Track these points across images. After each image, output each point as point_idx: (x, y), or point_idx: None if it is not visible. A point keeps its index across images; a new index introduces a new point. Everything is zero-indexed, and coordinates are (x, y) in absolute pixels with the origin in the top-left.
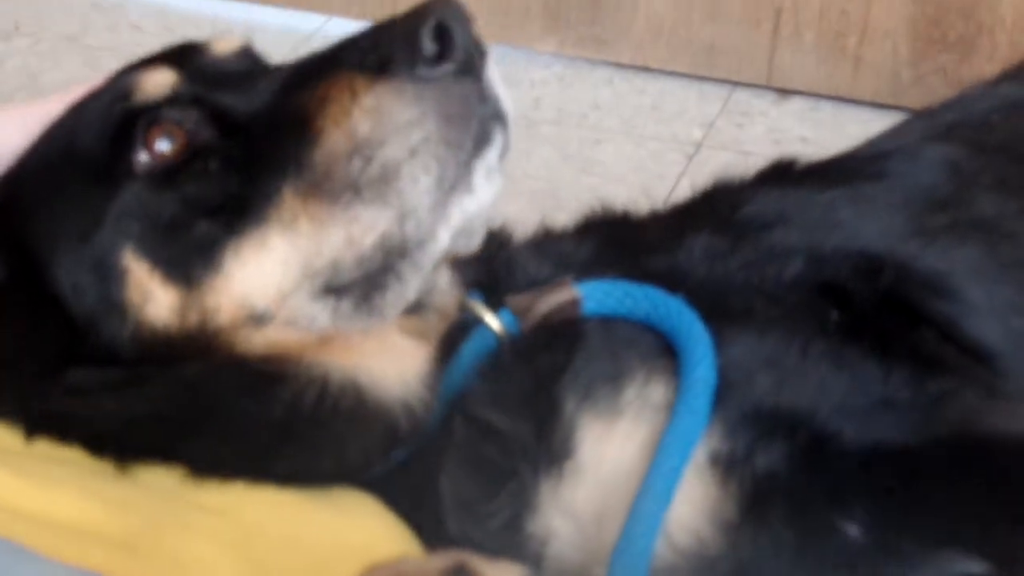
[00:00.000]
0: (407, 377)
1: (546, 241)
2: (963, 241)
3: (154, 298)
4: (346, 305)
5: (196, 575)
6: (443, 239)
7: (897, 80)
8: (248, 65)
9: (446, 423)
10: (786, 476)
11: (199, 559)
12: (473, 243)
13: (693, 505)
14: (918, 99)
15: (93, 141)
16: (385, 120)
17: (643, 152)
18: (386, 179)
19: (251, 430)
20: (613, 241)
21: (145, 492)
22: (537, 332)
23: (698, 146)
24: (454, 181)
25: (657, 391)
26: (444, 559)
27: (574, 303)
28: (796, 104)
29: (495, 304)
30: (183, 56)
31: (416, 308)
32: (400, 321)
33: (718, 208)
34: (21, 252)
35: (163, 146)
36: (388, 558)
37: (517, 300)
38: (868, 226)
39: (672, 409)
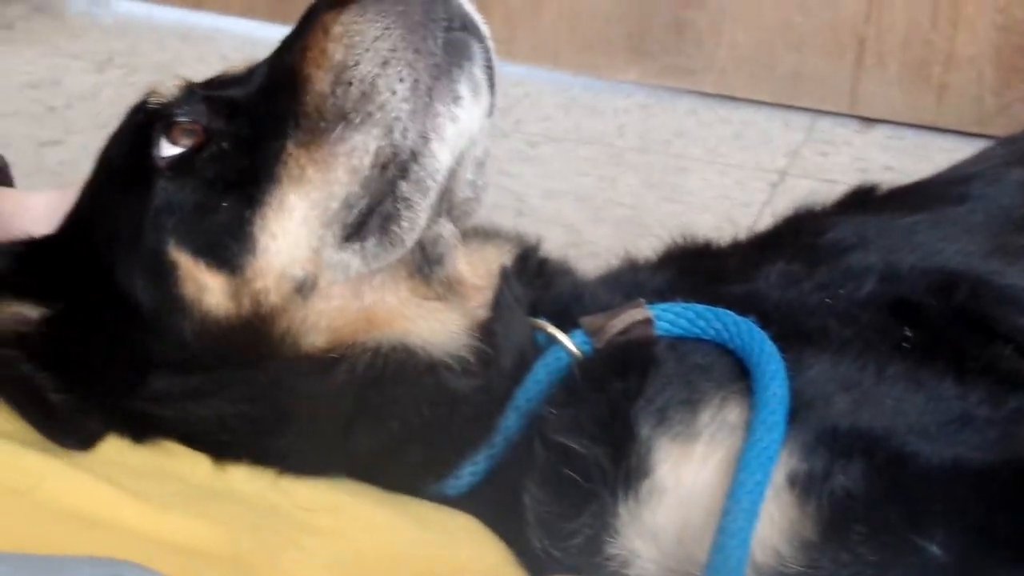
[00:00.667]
0: (450, 332)
1: (621, 271)
2: None
3: (207, 287)
4: (370, 244)
5: None
6: (441, 156)
7: (982, 108)
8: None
9: (525, 443)
10: (865, 496)
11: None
12: (482, 181)
13: (772, 524)
14: (1003, 127)
15: (123, 150)
16: (354, 41)
17: (727, 180)
18: (367, 96)
19: (325, 413)
20: (690, 270)
21: (254, 512)
22: (610, 354)
23: (782, 174)
24: (431, 86)
25: (733, 412)
26: None
27: (646, 323)
28: (880, 133)
29: (565, 329)
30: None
31: (429, 265)
32: (421, 289)
33: (800, 235)
34: (96, 269)
35: (182, 141)
36: None
37: (591, 320)
38: (947, 246)
39: (748, 428)
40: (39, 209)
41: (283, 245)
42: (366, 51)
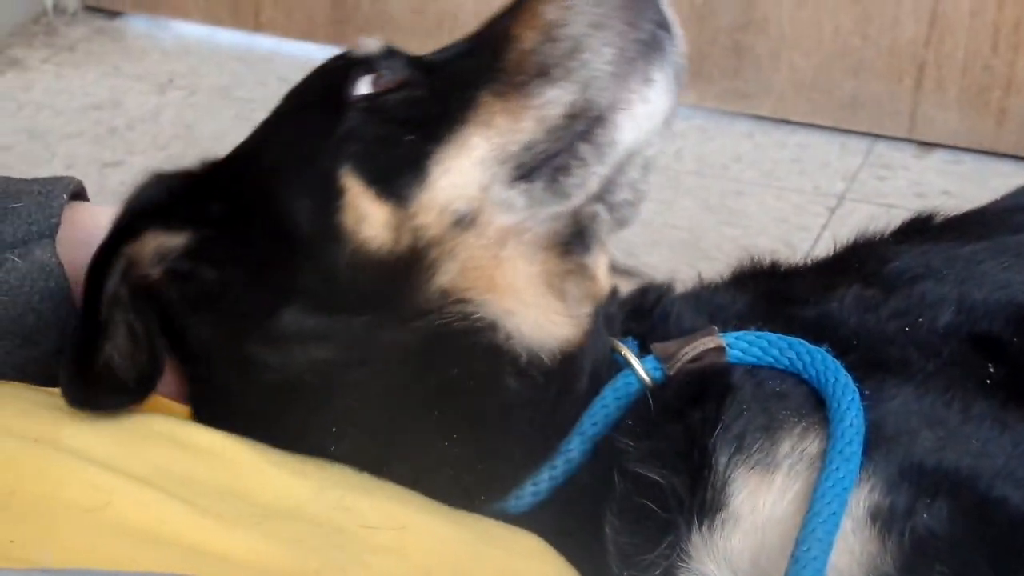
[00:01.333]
0: (550, 334)
1: (703, 293)
2: None
3: (368, 217)
4: (537, 188)
5: None
6: (625, 128)
7: None
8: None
9: (598, 470)
10: (948, 537)
11: None
12: (643, 187)
13: (851, 556)
14: None
15: (320, 87)
16: (569, 3)
17: (785, 204)
18: (571, 53)
19: (396, 374)
20: (766, 294)
21: (319, 530)
22: (684, 382)
23: (840, 199)
24: (633, 61)
25: (813, 443)
26: None
27: (719, 351)
28: (938, 157)
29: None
30: None
31: (576, 242)
32: (555, 269)
33: (866, 262)
34: (256, 196)
35: (374, 83)
36: None
37: (663, 346)
38: (1014, 277)
39: (825, 459)
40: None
41: (454, 180)
42: (580, 13)
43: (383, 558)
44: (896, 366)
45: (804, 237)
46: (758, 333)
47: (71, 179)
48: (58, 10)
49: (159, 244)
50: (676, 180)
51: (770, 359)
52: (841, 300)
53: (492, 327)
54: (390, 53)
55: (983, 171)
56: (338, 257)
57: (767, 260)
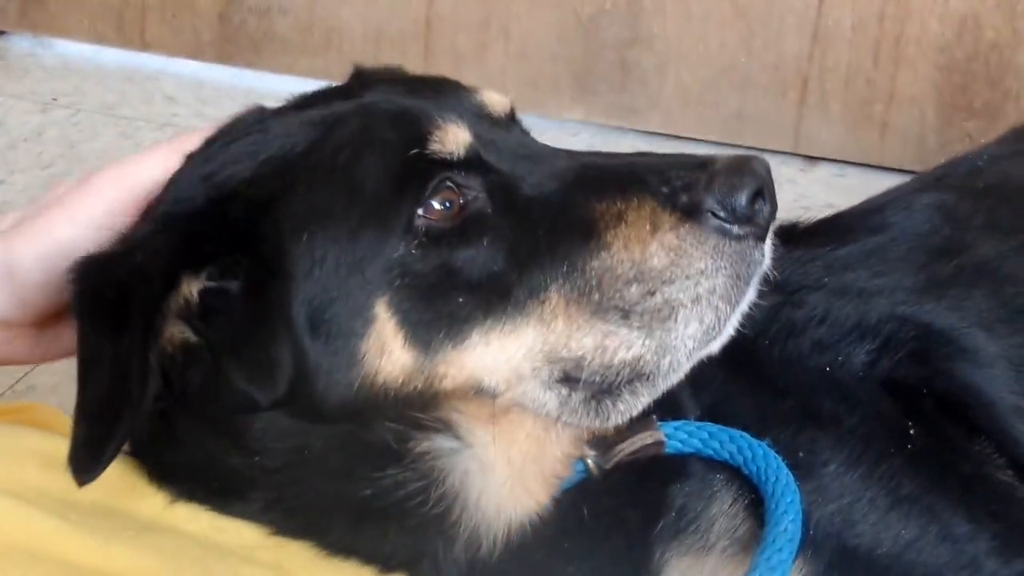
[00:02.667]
0: (511, 513)
1: None
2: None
3: (391, 355)
4: (576, 399)
5: None
6: (682, 371)
7: (924, 146)
8: (519, 134)
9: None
10: None
11: None
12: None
13: None
14: None
15: (379, 182)
16: (680, 262)
17: None
18: (661, 316)
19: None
20: None
21: (196, 545)
22: (625, 477)
23: None
24: (718, 332)
25: (744, 528)
26: None
27: (657, 445)
28: (823, 171)
29: None
30: (455, 100)
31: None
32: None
33: None
34: (266, 258)
35: (441, 206)
36: None
37: (600, 440)
38: (884, 283)
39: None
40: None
41: (495, 357)
42: (686, 278)
43: (262, 571)
44: (827, 420)
45: None
46: (698, 424)
47: None
48: None
49: (189, 292)
50: None
51: (710, 451)
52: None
53: (452, 488)
54: (475, 160)
55: (867, 184)
56: (347, 375)
57: None
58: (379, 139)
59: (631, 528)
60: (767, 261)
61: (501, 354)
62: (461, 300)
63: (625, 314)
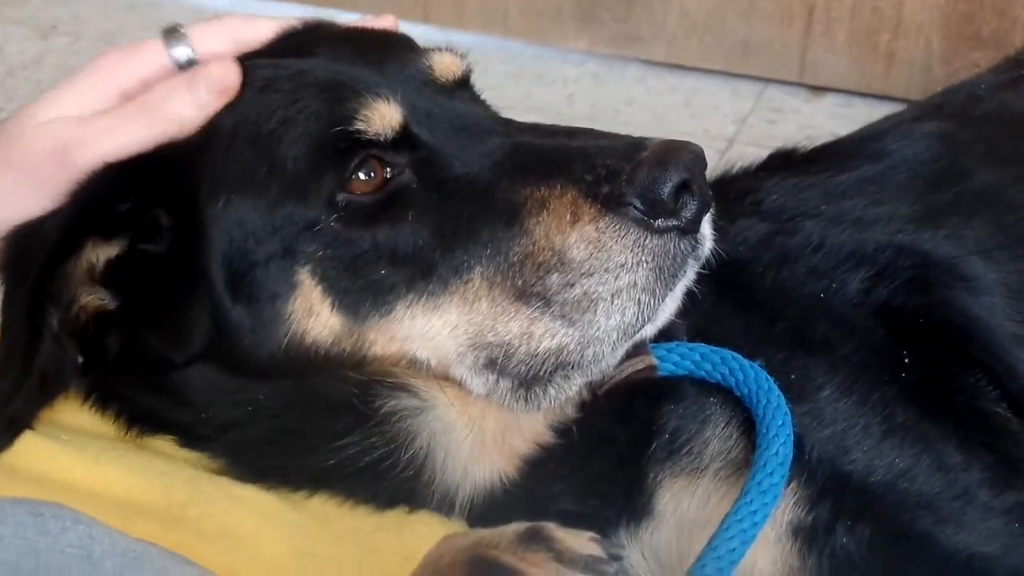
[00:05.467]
0: (482, 473)
1: None
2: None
3: (319, 317)
4: (504, 385)
5: (241, 542)
6: (615, 359)
7: (930, 76)
8: (463, 102)
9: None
10: (867, 564)
11: (242, 527)
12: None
13: (773, 566)
14: None
15: (301, 156)
16: (600, 254)
17: None
18: (581, 307)
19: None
20: None
21: (186, 467)
22: (611, 403)
23: (730, 142)
24: (644, 322)
25: (737, 450)
26: (520, 526)
27: (650, 368)
28: (828, 101)
29: None
30: (399, 67)
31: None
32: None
33: (744, 196)
34: (188, 226)
35: (365, 176)
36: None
37: None
38: (881, 211)
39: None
40: None
41: (419, 327)
42: (606, 271)
43: (253, 492)
44: (820, 347)
45: None
46: (690, 345)
47: None
48: None
49: (95, 257)
50: (568, 125)
51: (702, 373)
52: (744, 237)
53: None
54: (403, 137)
55: (872, 114)
56: (274, 335)
57: None
58: (306, 111)
59: (622, 449)
60: (706, 248)
61: (427, 328)
62: (384, 272)
63: (547, 302)
